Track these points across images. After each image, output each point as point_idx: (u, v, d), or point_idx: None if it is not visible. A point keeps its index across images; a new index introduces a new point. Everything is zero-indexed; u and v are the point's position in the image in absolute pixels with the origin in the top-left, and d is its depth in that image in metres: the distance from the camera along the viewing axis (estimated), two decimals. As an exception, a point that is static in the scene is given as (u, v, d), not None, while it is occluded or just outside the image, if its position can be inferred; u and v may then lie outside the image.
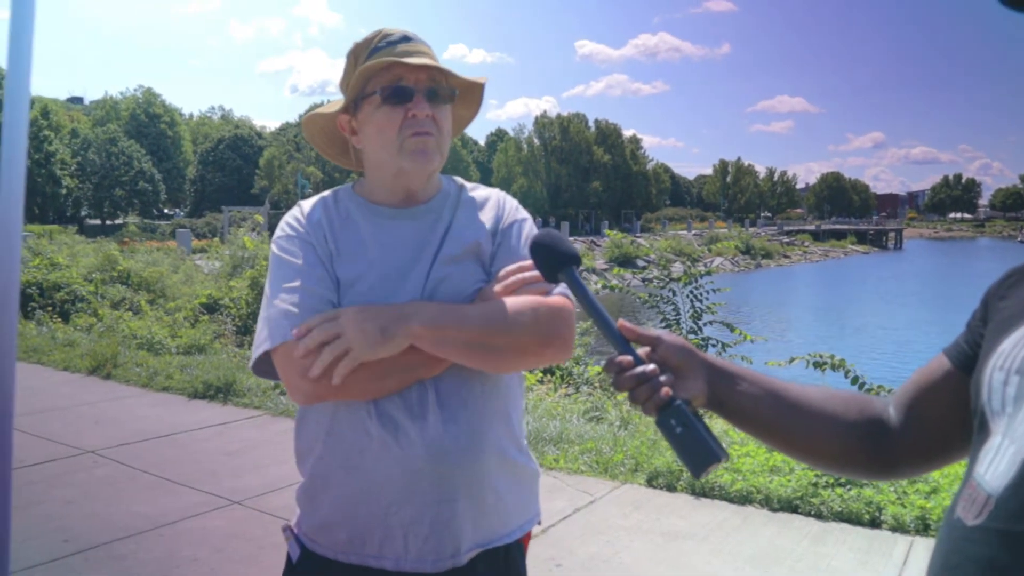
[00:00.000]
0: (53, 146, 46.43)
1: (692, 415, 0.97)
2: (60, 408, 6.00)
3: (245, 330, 9.29)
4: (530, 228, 1.43)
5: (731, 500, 4.06)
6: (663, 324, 6.80)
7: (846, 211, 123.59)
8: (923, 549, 3.46)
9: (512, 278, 1.33)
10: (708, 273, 7.14)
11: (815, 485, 3.97)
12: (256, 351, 1.33)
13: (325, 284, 1.32)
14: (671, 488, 4.24)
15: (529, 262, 1.23)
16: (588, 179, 68.76)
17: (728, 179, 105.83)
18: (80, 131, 55.78)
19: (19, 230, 1.39)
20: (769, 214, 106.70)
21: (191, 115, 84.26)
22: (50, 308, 10.30)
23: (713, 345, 6.52)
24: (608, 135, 72.32)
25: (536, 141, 70.83)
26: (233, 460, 4.80)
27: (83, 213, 53.32)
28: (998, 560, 0.74)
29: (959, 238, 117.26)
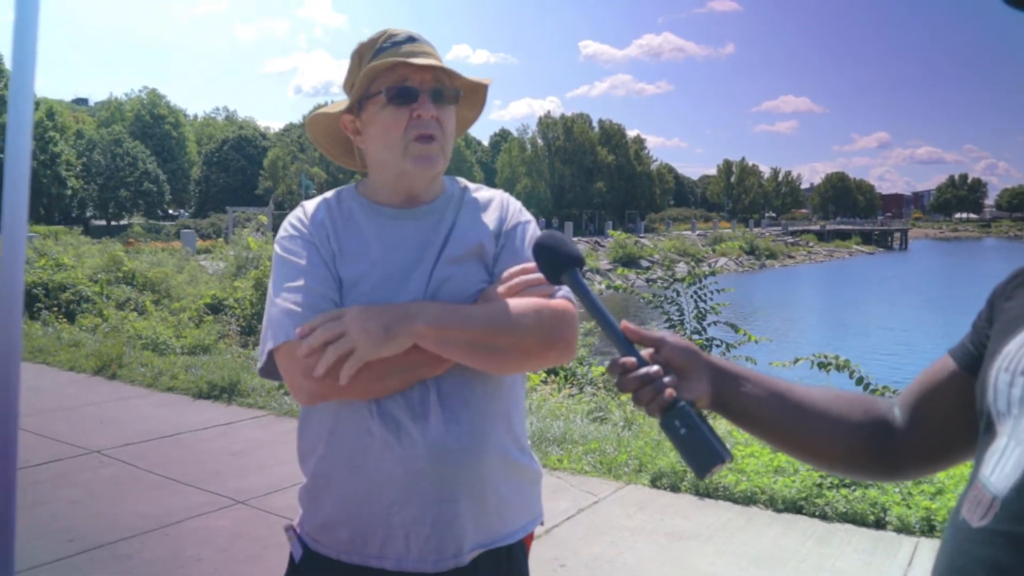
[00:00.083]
0: (58, 147, 46.57)
1: (696, 416, 0.97)
2: (65, 408, 6.01)
3: (249, 330, 9.31)
4: (534, 230, 1.44)
5: (735, 501, 4.05)
6: (667, 324, 6.79)
7: (851, 211, 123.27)
8: (928, 550, 3.45)
9: (515, 279, 1.33)
10: (712, 273, 7.13)
11: (820, 486, 3.96)
12: (263, 352, 1.33)
13: (328, 284, 1.32)
14: (675, 488, 4.24)
15: (532, 264, 1.23)
16: (592, 179, 68.71)
17: (732, 179, 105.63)
18: (85, 132, 55.97)
19: (24, 231, 1.40)
20: (773, 214, 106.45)
21: (195, 116, 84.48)
22: (56, 308, 10.34)
23: (717, 346, 6.50)
24: (612, 135, 72.25)
25: (540, 141, 70.78)
26: (237, 460, 4.80)
27: (88, 214, 53.47)
28: (1003, 562, 0.73)
29: (965, 238, 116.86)
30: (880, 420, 1.04)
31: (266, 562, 3.37)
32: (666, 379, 0.99)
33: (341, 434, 1.32)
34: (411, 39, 1.38)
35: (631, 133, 75.53)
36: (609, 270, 33.06)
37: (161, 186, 54.72)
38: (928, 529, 3.62)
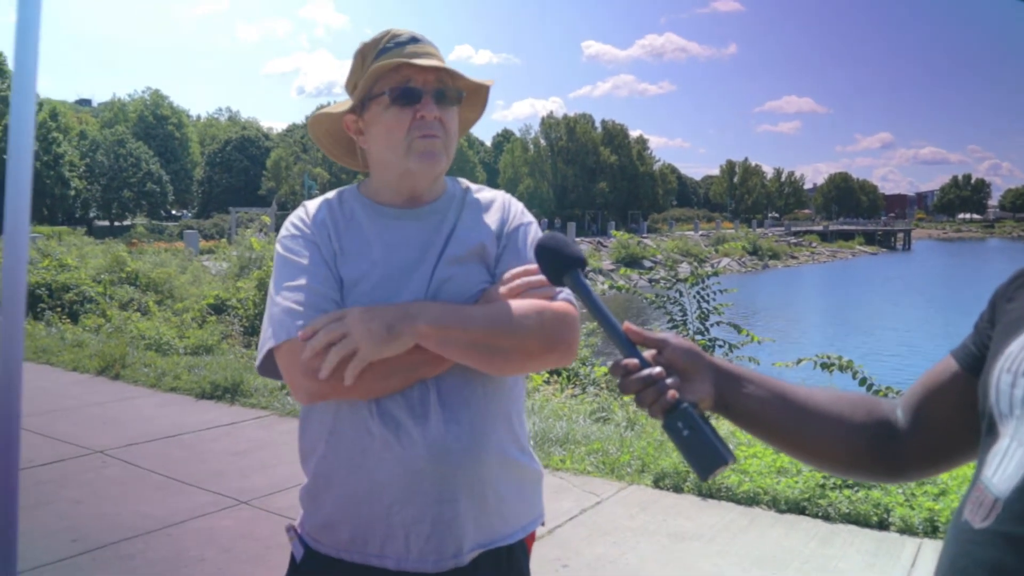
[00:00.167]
0: (62, 148, 46.68)
1: (699, 418, 0.97)
2: (69, 408, 6.03)
3: (252, 331, 9.33)
4: (535, 231, 1.44)
5: (738, 501, 4.05)
6: (670, 325, 6.79)
7: (854, 212, 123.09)
8: (931, 551, 3.44)
9: (517, 281, 1.33)
10: (715, 274, 7.13)
11: (823, 487, 3.95)
12: (261, 350, 1.34)
13: (329, 283, 1.32)
14: (678, 489, 4.23)
15: (534, 265, 1.23)
16: (594, 180, 68.71)
17: (735, 180, 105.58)
18: (88, 133, 56.09)
19: (27, 232, 1.40)
20: (776, 215, 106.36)
21: (198, 117, 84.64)
22: (59, 309, 10.36)
23: (720, 346, 6.50)
24: (615, 136, 72.26)
25: (542, 142, 70.81)
26: (240, 460, 4.81)
27: (92, 214, 53.58)
28: (1005, 563, 0.73)
29: (968, 239, 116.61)
30: (883, 421, 1.04)
31: (269, 562, 3.37)
32: (669, 381, 0.99)
33: (341, 434, 1.32)
34: (414, 40, 1.38)
35: (634, 133, 75.59)
36: (612, 270, 33.05)
37: (164, 187, 54.82)
38: (931, 530, 3.61)
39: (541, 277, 1.20)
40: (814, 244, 68.08)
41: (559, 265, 1.12)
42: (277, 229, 1.48)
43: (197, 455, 4.92)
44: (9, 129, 1.36)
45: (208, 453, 4.97)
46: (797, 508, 3.91)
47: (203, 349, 8.15)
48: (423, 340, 1.24)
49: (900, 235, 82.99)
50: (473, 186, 1.50)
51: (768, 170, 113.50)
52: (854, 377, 5.12)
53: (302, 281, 1.32)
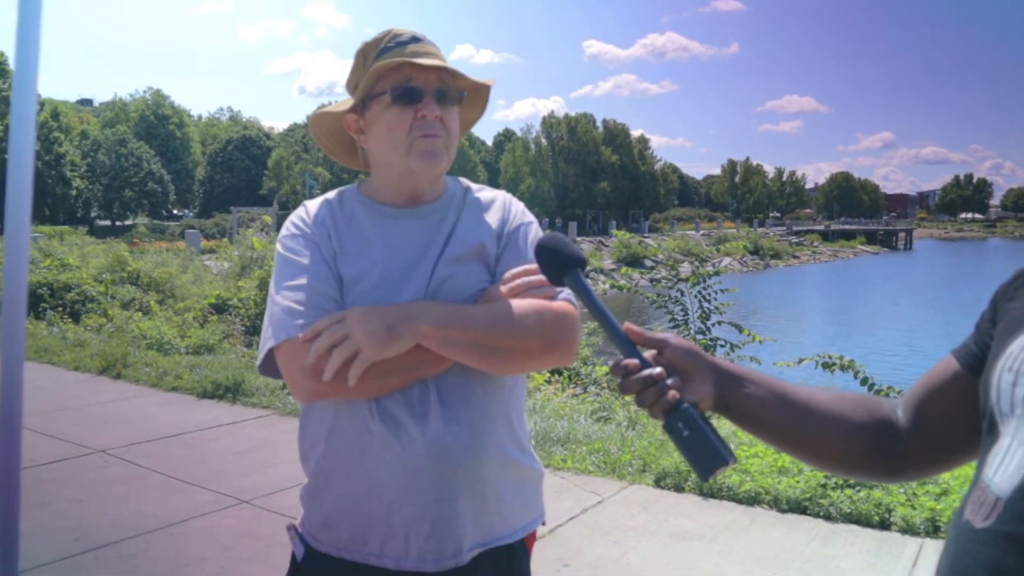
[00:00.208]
0: (63, 148, 46.70)
1: (699, 418, 0.97)
2: (70, 408, 6.03)
3: (254, 330, 9.33)
4: (536, 231, 1.44)
5: (739, 501, 4.04)
6: (671, 324, 6.79)
7: (856, 211, 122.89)
8: (933, 551, 3.44)
9: (517, 281, 1.34)
10: (716, 273, 7.12)
11: (824, 486, 3.95)
12: (262, 349, 1.34)
13: (329, 282, 1.33)
14: (679, 489, 4.23)
15: (534, 265, 1.23)
16: (596, 179, 68.67)
17: (737, 179, 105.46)
18: (90, 133, 56.10)
19: (27, 231, 1.40)
20: (778, 214, 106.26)
21: (200, 116, 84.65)
22: (61, 308, 10.37)
23: (722, 346, 6.50)
24: (616, 135, 72.20)
25: (544, 141, 70.76)
26: (242, 459, 4.81)
27: (93, 214, 53.61)
28: (1006, 563, 0.73)
29: (970, 239, 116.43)
30: (883, 421, 1.04)
31: (270, 561, 3.37)
32: (669, 381, 0.99)
33: (341, 433, 1.32)
34: (415, 39, 1.38)
35: (635, 133, 75.50)
36: (613, 270, 33.04)
37: (166, 186, 54.84)
38: (933, 530, 3.61)
39: (541, 277, 1.20)
40: (815, 244, 68.00)
41: (559, 265, 1.12)
42: (278, 229, 1.47)
43: (198, 454, 4.92)
44: (10, 129, 1.36)
45: (209, 452, 4.97)
46: (799, 508, 3.91)
47: (204, 349, 8.15)
48: (424, 340, 1.24)
49: (902, 235, 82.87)
50: (474, 186, 1.50)
51: (769, 169, 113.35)
52: (855, 377, 5.11)
53: (302, 280, 1.32)
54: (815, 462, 1.10)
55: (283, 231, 1.42)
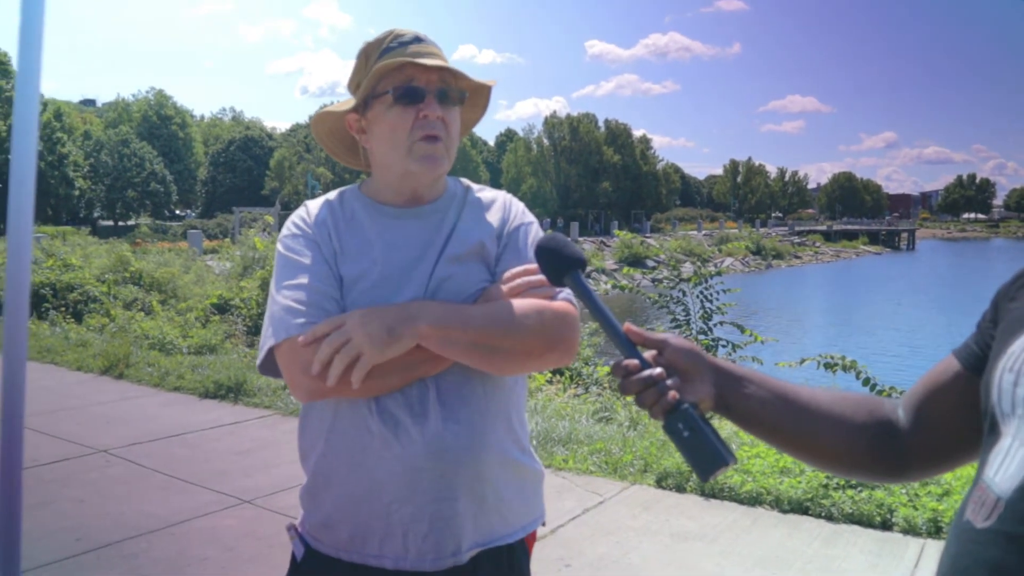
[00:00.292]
0: (66, 148, 46.78)
1: (699, 418, 0.96)
2: (73, 408, 6.04)
3: (256, 330, 9.34)
4: (536, 231, 1.44)
5: (741, 501, 4.04)
6: (673, 325, 6.78)
7: (858, 211, 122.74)
8: (935, 552, 3.43)
9: (517, 280, 1.34)
10: (718, 274, 7.12)
11: (826, 487, 3.95)
12: (262, 349, 1.34)
13: (329, 282, 1.33)
14: (681, 489, 4.23)
15: (534, 265, 1.23)
16: (598, 179, 68.66)
17: (739, 179, 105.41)
18: (93, 133, 56.21)
19: (30, 231, 1.41)
20: (780, 214, 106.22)
21: (202, 117, 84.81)
22: (63, 309, 10.38)
23: (723, 346, 6.49)
24: (618, 135, 72.19)
25: (546, 141, 70.78)
26: (243, 459, 4.82)
27: (96, 214, 53.72)
28: (1007, 563, 0.73)
29: (973, 239, 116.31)
30: (884, 421, 1.04)
31: (272, 561, 3.38)
32: (669, 381, 0.99)
33: (341, 432, 1.33)
34: (417, 39, 1.39)
35: (637, 133, 75.55)
36: (615, 270, 33.05)
37: (168, 187, 54.93)
38: (935, 530, 3.60)
39: (541, 277, 1.21)
40: (818, 244, 67.94)
41: (559, 266, 1.12)
42: (280, 229, 1.48)
43: (200, 454, 4.93)
44: (13, 129, 1.37)
45: (211, 452, 4.98)
46: (800, 508, 3.91)
47: (206, 349, 8.16)
48: (424, 341, 1.24)
49: (904, 235, 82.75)
50: (474, 186, 1.50)
51: (772, 170, 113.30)
52: (857, 377, 5.11)
53: (303, 280, 1.33)
54: (816, 462, 1.10)
55: (284, 231, 1.43)
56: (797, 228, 78.98)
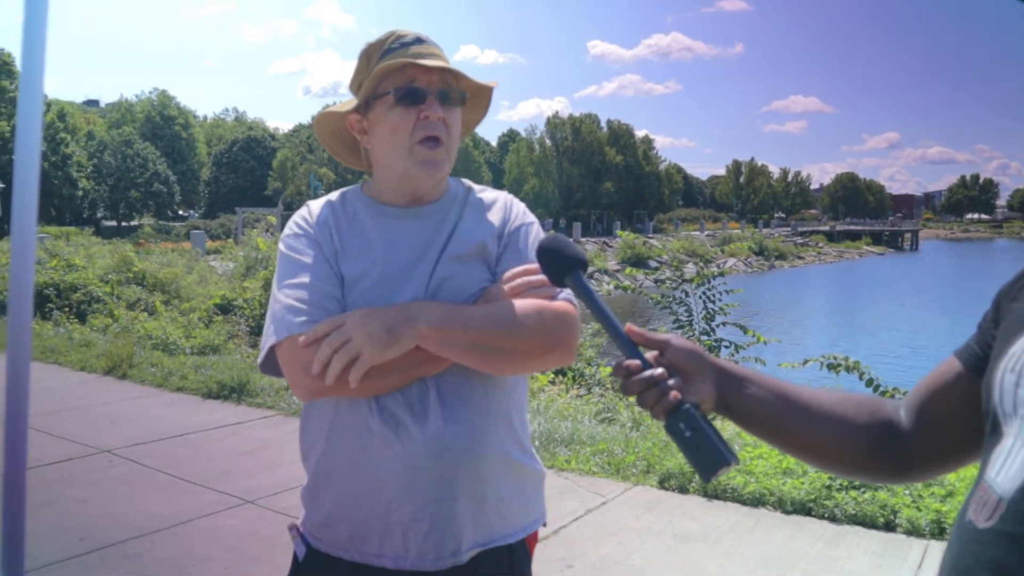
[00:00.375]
0: (70, 148, 46.92)
1: (701, 419, 0.96)
2: (76, 408, 6.06)
3: (258, 331, 9.34)
4: (537, 231, 1.44)
5: (744, 502, 4.04)
6: (676, 325, 6.78)
7: (861, 212, 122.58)
8: (938, 553, 3.42)
9: (517, 280, 1.34)
10: (721, 274, 7.11)
11: (829, 488, 3.94)
12: (263, 347, 1.35)
13: (330, 281, 1.34)
14: (683, 490, 4.23)
15: (535, 265, 1.23)
16: (600, 180, 68.63)
17: (741, 179, 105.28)
18: (96, 133, 56.36)
19: (34, 232, 1.41)
20: (783, 215, 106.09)
21: (205, 117, 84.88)
22: (67, 309, 10.40)
23: (726, 347, 6.49)
24: (620, 135, 72.18)
25: (548, 142, 70.78)
26: (247, 460, 4.83)
27: (99, 215, 53.86)
28: (1009, 563, 0.73)
29: (976, 239, 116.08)
30: (885, 422, 1.04)
31: (274, 561, 3.38)
32: (671, 382, 0.99)
33: (341, 431, 1.33)
34: (419, 40, 1.39)
35: (639, 133, 75.56)
36: (617, 271, 33.04)
37: (171, 187, 55.05)
38: (938, 531, 3.60)
39: (542, 276, 1.21)
40: (820, 244, 67.87)
41: (560, 266, 1.12)
42: (283, 229, 1.49)
43: (203, 454, 4.94)
44: (17, 129, 1.37)
45: (214, 452, 4.99)
46: (803, 509, 3.90)
47: (209, 349, 8.18)
48: (423, 342, 1.25)
49: (907, 235, 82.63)
50: (476, 186, 1.51)
51: (774, 170, 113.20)
52: (860, 378, 5.09)
53: (304, 279, 1.33)
54: (817, 463, 1.10)
55: (286, 230, 1.44)
56: (800, 229, 78.90)
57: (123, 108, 64.76)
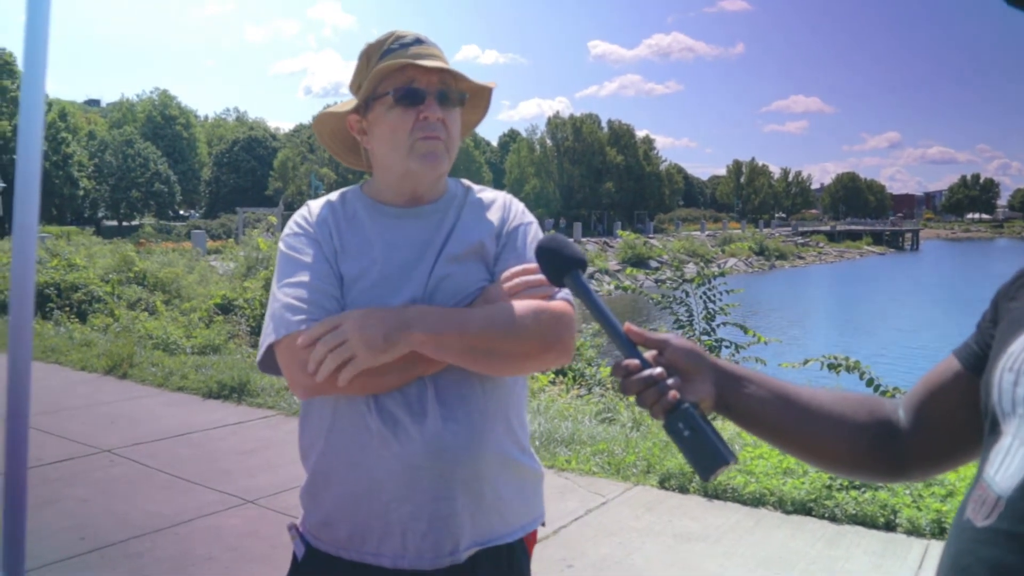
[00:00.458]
0: (71, 148, 46.94)
1: (700, 418, 0.97)
2: (77, 407, 6.06)
3: (259, 330, 9.28)
4: (536, 231, 1.45)
5: (744, 502, 4.04)
6: (676, 325, 6.78)
7: (862, 212, 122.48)
8: (938, 552, 3.41)
9: (516, 280, 1.34)
10: (722, 274, 7.11)
11: (829, 487, 3.94)
12: (262, 346, 1.35)
13: (329, 280, 1.34)
14: (683, 490, 4.23)
15: (534, 264, 1.23)
16: (601, 180, 68.60)
17: (742, 180, 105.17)
18: (97, 133, 56.39)
19: (35, 231, 1.41)
20: (783, 215, 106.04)
21: (206, 117, 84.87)
22: (68, 308, 10.41)
23: (727, 346, 6.48)
24: (621, 135, 72.14)
25: (549, 142, 70.75)
26: (247, 459, 4.83)
27: (100, 214, 53.88)
28: (1007, 562, 0.73)
29: (977, 239, 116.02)
30: (885, 421, 1.04)
31: (275, 561, 3.38)
32: (670, 381, 0.99)
33: (340, 431, 1.34)
34: (418, 41, 1.39)
35: (640, 133, 75.50)
36: (618, 270, 33.03)
37: (172, 187, 55.06)
38: (938, 531, 3.60)
39: (540, 276, 1.21)
40: (821, 244, 67.83)
41: (559, 266, 1.13)
42: (283, 229, 1.50)
43: (204, 454, 4.94)
44: (18, 129, 1.37)
45: (215, 452, 4.99)
46: (803, 509, 3.90)
47: (210, 349, 8.18)
48: (419, 347, 1.25)
49: (908, 235, 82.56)
50: (475, 187, 1.51)
51: (775, 170, 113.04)
52: (861, 378, 5.10)
53: (303, 278, 1.34)
54: (817, 462, 1.10)
55: (286, 230, 1.44)
56: (800, 228, 78.86)
57: (124, 108, 64.75)
